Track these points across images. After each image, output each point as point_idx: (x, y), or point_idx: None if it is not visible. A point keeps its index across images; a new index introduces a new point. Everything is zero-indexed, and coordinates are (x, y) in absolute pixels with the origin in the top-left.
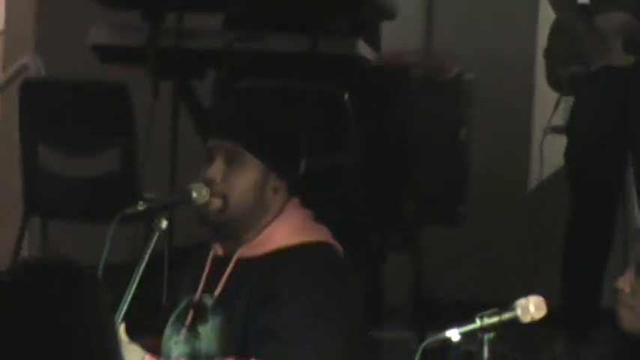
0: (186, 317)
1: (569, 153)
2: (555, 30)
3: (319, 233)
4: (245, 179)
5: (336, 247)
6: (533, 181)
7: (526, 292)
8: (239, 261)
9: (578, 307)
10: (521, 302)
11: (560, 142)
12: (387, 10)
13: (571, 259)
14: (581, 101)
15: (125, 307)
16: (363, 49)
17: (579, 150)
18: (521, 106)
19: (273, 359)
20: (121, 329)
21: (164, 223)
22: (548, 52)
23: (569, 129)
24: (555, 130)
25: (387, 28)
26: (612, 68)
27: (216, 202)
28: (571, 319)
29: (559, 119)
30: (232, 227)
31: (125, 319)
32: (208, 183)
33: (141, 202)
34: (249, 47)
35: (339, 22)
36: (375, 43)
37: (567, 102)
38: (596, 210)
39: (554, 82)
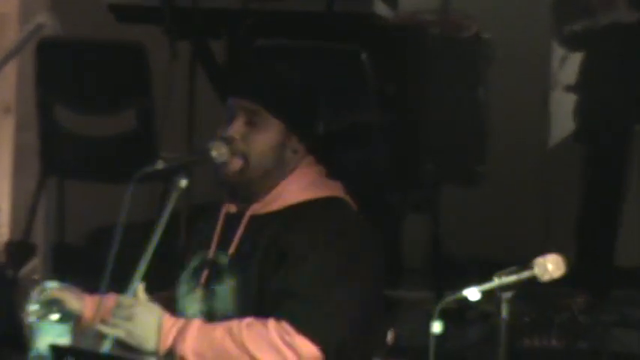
0: (200, 275)
1: (577, 110)
2: None
3: (332, 188)
4: (265, 140)
5: (349, 202)
6: (552, 139)
7: (544, 251)
8: (252, 218)
9: (596, 265)
10: (539, 261)
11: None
12: None
13: (585, 218)
14: (589, 58)
15: (144, 267)
16: (380, 8)
17: (588, 107)
18: (539, 65)
19: (291, 318)
20: (140, 288)
21: (183, 182)
22: (556, 8)
23: (577, 86)
24: (567, 88)
25: None
26: (619, 24)
27: (237, 162)
28: (589, 279)
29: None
30: (251, 187)
31: (144, 278)
32: (228, 142)
33: (160, 161)
34: (266, 7)
35: None
36: (392, 2)
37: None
38: (607, 169)
39: (562, 39)
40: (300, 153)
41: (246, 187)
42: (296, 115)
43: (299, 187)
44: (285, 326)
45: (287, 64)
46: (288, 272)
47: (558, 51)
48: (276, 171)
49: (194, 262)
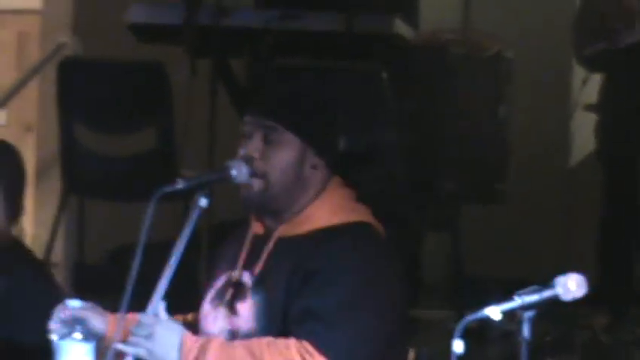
0: (224, 294)
1: (598, 130)
2: (584, 7)
3: (360, 213)
4: (283, 156)
5: (377, 227)
6: (573, 158)
7: (565, 270)
8: (279, 240)
9: (616, 284)
10: (561, 280)
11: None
12: None
13: (606, 237)
14: (609, 78)
15: (165, 286)
16: (401, 28)
17: (608, 127)
18: (560, 83)
19: (313, 339)
20: (161, 308)
21: (203, 201)
22: (576, 28)
23: (598, 106)
24: (588, 108)
25: (425, 6)
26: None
27: (258, 183)
28: (610, 297)
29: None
30: (273, 205)
31: (165, 297)
32: (247, 160)
33: (180, 180)
34: (287, 26)
35: (376, 1)
36: (413, 21)
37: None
38: (628, 189)
39: (583, 59)
40: (321, 169)
41: (269, 204)
42: (311, 128)
43: (329, 210)
44: (307, 346)
45: (305, 82)
46: (313, 294)
47: (579, 70)
48: (298, 188)
49: (219, 282)
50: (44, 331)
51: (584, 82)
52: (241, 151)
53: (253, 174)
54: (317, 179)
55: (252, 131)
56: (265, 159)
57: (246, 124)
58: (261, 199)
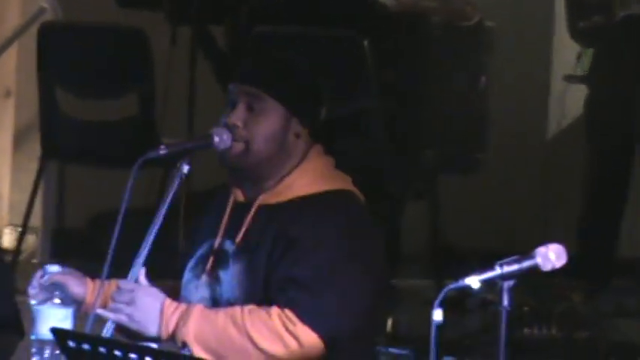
0: (206, 262)
1: (589, 102)
2: None
3: (341, 181)
4: (267, 124)
5: (358, 195)
6: (552, 129)
7: (544, 240)
8: (260, 207)
9: (596, 256)
10: (541, 250)
11: (578, 93)
12: None
13: (589, 209)
14: (603, 51)
15: (145, 252)
16: None
17: (600, 99)
18: (540, 54)
19: (295, 307)
20: (141, 273)
21: (185, 168)
22: (570, 3)
23: (589, 78)
24: (574, 79)
25: None
26: (634, 17)
27: (239, 147)
28: (589, 269)
29: (578, 69)
30: (254, 172)
31: (145, 263)
32: (230, 128)
33: (162, 147)
34: None
35: None
36: None
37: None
38: (614, 160)
39: (576, 34)
40: (304, 138)
41: (250, 170)
42: (296, 97)
43: (310, 178)
44: (289, 314)
45: (287, 50)
46: (294, 262)
47: (560, 40)
48: (280, 156)
49: (200, 250)
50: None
51: (579, 56)
52: (224, 119)
53: (235, 139)
54: (299, 148)
55: (236, 99)
56: (248, 127)
57: (230, 92)
58: (242, 163)
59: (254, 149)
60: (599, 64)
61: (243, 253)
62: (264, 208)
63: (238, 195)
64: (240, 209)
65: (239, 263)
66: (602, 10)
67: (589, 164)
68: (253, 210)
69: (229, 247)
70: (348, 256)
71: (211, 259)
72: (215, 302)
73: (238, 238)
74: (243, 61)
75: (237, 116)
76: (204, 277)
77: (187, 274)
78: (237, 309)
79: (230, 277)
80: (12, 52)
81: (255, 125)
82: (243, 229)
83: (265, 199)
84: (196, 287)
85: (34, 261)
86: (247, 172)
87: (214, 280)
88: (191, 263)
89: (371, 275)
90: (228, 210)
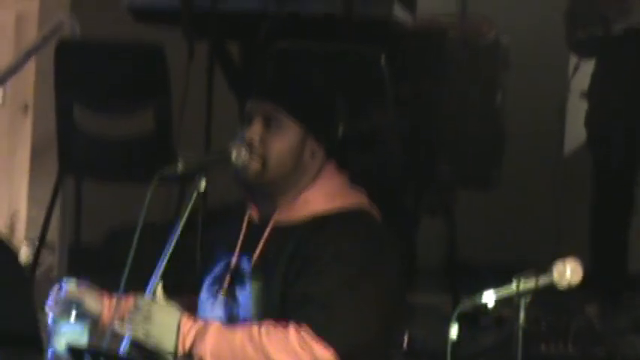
0: (223, 280)
1: (590, 118)
2: None
3: (356, 198)
4: (283, 142)
5: (374, 212)
6: (567, 145)
7: (559, 256)
8: (276, 226)
9: (609, 271)
10: (558, 266)
11: None
12: None
13: (598, 224)
14: (602, 64)
15: (162, 267)
16: (399, 12)
17: (600, 114)
18: (556, 71)
19: (311, 323)
20: (159, 288)
21: (203, 184)
22: (569, 14)
23: (589, 93)
24: (583, 95)
25: None
26: (633, 30)
27: (255, 164)
28: (603, 284)
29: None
30: (269, 188)
31: (162, 279)
32: (247, 144)
33: (180, 162)
34: (285, 9)
35: None
36: (410, 6)
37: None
38: (619, 177)
39: (574, 45)
40: (319, 156)
41: (266, 187)
42: (313, 117)
43: (324, 196)
44: (305, 331)
45: (305, 68)
46: (310, 280)
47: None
48: (296, 174)
49: (217, 269)
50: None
51: (576, 68)
52: (241, 135)
53: (252, 156)
54: (315, 165)
55: (254, 115)
56: (265, 143)
57: (247, 109)
58: (257, 180)
59: (270, 165)
60: (598, 75)
61: (259, 272)
62: (280, 226)
63: (254, 212)
64: (256, 227)
65: (256, 282)
66: (600, 22)
67: (595, 176)
68: (269, 228)
69: (246, 265)
70: (363, 273)
71: (228, 278)
72: (232, 321)
73: (255, 257)
74: (261, 78)
75: (254, 132)
76: (220, 296)
77: (204, 293)
78: (254, 326)
79: (247, 296)
80: (30, 68)
81: (271, 142)
82: (260, 248)
83: (280, 216)
84: (213, 306)
85: (51, 276)
86: (263, 189)
87: (231, 299)
88: (208, 282)
89: (386, 291)
90: (244, 228)
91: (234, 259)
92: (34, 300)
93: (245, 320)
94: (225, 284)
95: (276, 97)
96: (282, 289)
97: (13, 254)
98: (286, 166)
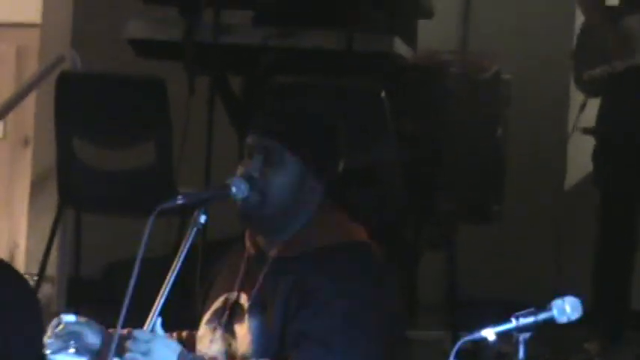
0: (222, 316)
1: (596, 154)
2: (583, 31)
3: (355, 232)
4: (284, 178)
5: (374, 247)
6: (569, 181)
7: (560, 292)
8: (275, 261)
9: (611, 308)
10: (557, 303)
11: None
12: (423, 9)
13: (600, 260)
14: (607, 102)
15: (161, 302)
16: (400, 47)
17: (606, 151)
18: (557, 106)
19: None
20: (158, 323)
21: (203, 218)
22: (576, 54)
23: (596, 130)
24: (585, 131)
25: (423, 26)
26: (638, 69)
27: (255, 198)
28: (605, 320)
29: (591, 120)
30: (270, 223)
31: (161, 313)
32: (248, 179)
33: (180, 196)
34: (286, 43)
35: (375, 20)
36: (411, 41)
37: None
38: (623, 213)
39: (581, 84)
40: (319, 192)
41: (265, 222)
42: (314, 153)
43: (324, 231)
44: None
45: (306, 102)
46: (310, 315)
47: (576, 93)
48: (295, 209)
49: (216, 304)
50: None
51: (583, 106)
52: (241, 169)
53: (252, 190)
54: (314, 201)
55: (254, 150)
56: (266, 179)
57: (248, 143)
58: (257, 214)
59: (270, 200)
60: (605, 113)
61: (258, 307)
62: (279, 261)
63: (253, 247)
64: (255, 262)
65: (255, 317)
66: (607, 60)
67: (599, 213)
68: (268, 263)
69: (244, 301)
70: (363, 311)
71: (227, 313)
72: (230, 357)
73: (254, 292)
74: (262, 113)
75: (255, 167)
76: (219, 331)
77: (202, 328)
78: None
79: (245, 331)
80: (30, 101)
81: (272, 177)
82: (259, 283)
83: (280, 251)
84: (211, 341)
85: (51, 309)
86: (262, 224)
87: (230, 334)
88: (206, 317)
89: (385, 327)
90: (243, 263)
91: (233, 294)
92: (42, 331)
93: (244, 356)
94: (224, 319)
95: (277, 133)
96: (281, 325)
97: (27, 285)
98: (286, 200)
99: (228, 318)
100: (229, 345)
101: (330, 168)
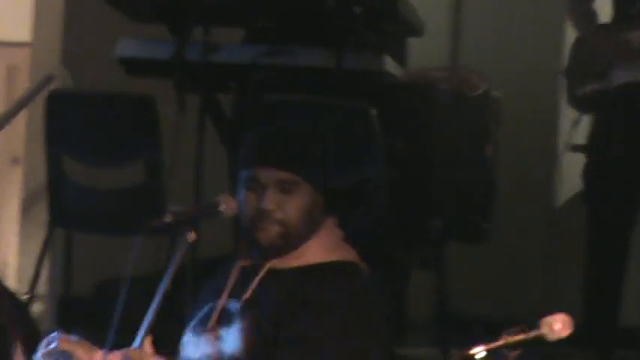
0: (207, 321)
1: (587, 172)
2: (576, 48)
3: (348, 253)
4: (301, 205)
5: (363, 268)
6: (558, 199)
7: (550, 309)
8: (269, 271)
9: (600, 325)
10: (547, 320)
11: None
12: (413, 27)
13: (589, 277)
14: (601, 119)
15: (150, 320)
16: (390, 65)
17: (598, 169)
18: (547, 124)
19: None
20: (147, 342)
21: (192, 236)
22: (569, 71)
23: (588, 147)
24: (576, 149)
25: (413, 44)
26: (633, 85)
27: (275, 229)
28: (594, 338)
29: (581, 138)
30: (289, 248)
31: (151, 332)
32: (266, 214)
33: (168, 214)
34: (276, 62)
35: (365, 38)
36: (401, 59)
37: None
38: (612, 230)
39: (574, 100)
40: (322, 207)
41: (285, 248)
42: (322, 175)
43: (322, 248)
44: None
45: (295, 120)
46: (302, 325)
47: (567, 111)
48: (309, 229)
49: (202, 312)
50: None
51: (575, 123)
52: (247, 202)
53: (269, 221)
54: (321, 219)
55: (267, 182)
56: (283, 209)
57: (258, 175)
58: (279, 243)
59: (291, 232)
60: (597, 130)
61: (248, 309)
62: (273, 271)
63: (246, 261)
64: (248, 272)
65: (244, 321)
66: (599, 78)
67: (590, 231)
68: (263, 271)
69: (233, 306)
70: (354, 326)
71: (214, 319)
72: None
73: (245, 296)
74: (260, 144)
75: (271, 201)
76: (205, 336)
77: (187, 335)
78: None
79: (234, 333)
80: (20, 120)
81: (289, 206)
82: (251, 287)
83: (275, 264)
84: (197, 346)
85: (41, 328)
86: (280, 249)
87: (216, 338)
88: (191, 324)
89: (375, 344)
90: (234, 272)
91: (221, 302)
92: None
93: (231, 358)
94: (211, 324)
95: (290, 164)
96: (271, 331)
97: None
98: (305, 226)
99: (215, 323)
100: (217, 348)
101: (331, 184)
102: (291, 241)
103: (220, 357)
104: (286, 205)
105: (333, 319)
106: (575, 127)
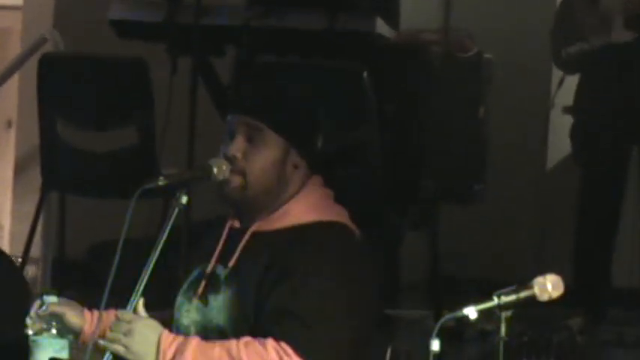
0: (198, 286)
1: (574, 132)
2: (560, 10)
3: (335, 213)
4: (266, 156)
5: (352, 228)
6: (551, 160)
7: (542, 270)
8: (254, 234)
9: (592, 285)
10: (538, 280)
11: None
12: None
13: (581, 238)
14: (584, 79)
15: (144, 283)
16: (382, 27)
17: (584, 128)
18: (539, 85)
19: (290, 340)
20: (140, 304)
21: (184, 199)
22: (554, 32)
23: (574, 108)
24: (565, 110)
25: (405, 6)
26: (613, 45)
27: (237, 180)
28: (586, 297)
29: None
30: (253, 204)
31: (144, 294)
32: (229, 160)
33: (161, 177)
34: (268, 24)
35: (357, 0)
36: (393, 21)
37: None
38: (604, 190)
39: (559, 61)
40: (302, 169)
41: (249, 202)
42: (296, 129)
43: (305, 208)
44: (284, 347)
45: (288, 81)
46: (288, 293)
47: (558, 73)
48: (278, 187)
49: (193, 275)
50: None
51: (560, 83)
52: (223, 150)
53: (234, 172)
54: (297, 178)
55: (235, 130)
56: (247, 158)
57: (229, 123)
58: (240, 195)
59: (252, 180)
60: (583, 90)
61: (234, 278)
62: (258, 235)
63: (234, 222)
64: (235, 235)
65: (230, 288)
66: (584, 38)
67: (580, 191)
68: (247, 236)
69: (221, 272)
70: (341, 289)
71: (203, 284)
72: (204, 327)
73: (231, 263)
74: (242, 91)
75: (236, 147)
76: (195, 301)
77: (179, 298)
78: (232, 341)
79: (220, 302)
80: (13, 83)
81: (254, 156)
82: (236, 255)
83: (260, 226)
84: (187, 311)
85: (35, 291)
86: (246, 204)
87: (205, 304)
88: (184, 287)
89: (365, 307)
90: (223, 235)
91: (210, 265)
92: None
93: (218, 326)
94: (200, 290)
95: (258, 112)
96: (256, 298)
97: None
98: (269, 180)
99: (204, 289)
100: (204, 315)
101: (311, 144)
102: (255, 194)
103: (207, 324)
104: (252, 155)
105: (314, 289)
106: (560, 86)
